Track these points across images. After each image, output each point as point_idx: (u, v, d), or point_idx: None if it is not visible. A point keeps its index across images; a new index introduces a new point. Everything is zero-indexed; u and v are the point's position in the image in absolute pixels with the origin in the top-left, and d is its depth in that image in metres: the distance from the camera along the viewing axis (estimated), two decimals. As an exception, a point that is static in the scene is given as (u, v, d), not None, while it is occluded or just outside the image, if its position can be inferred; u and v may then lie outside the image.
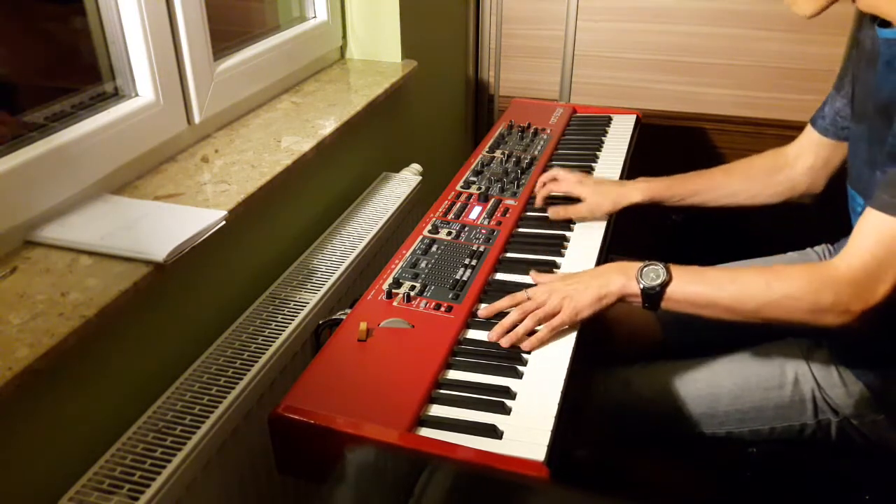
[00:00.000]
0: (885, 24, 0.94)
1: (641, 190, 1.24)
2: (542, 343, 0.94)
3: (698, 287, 0.94)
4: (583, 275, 1.01)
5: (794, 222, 1.27)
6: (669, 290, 0.94)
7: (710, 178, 1.27)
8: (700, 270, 0.96)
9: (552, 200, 1.28)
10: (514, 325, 0.95)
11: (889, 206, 0.84)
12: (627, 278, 0.96)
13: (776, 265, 0.97)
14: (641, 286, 0.95)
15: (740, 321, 0.93)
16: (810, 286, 0.87)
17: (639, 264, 0.96)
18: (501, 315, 0.98)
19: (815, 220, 1.28)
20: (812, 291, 0.87)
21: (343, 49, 1.68)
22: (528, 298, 0.98)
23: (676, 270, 0.94)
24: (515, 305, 0.98)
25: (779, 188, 1.24)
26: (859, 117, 1.03)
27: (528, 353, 0.93)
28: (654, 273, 0.95)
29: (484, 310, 1.00)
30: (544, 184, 1.29)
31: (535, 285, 1.03)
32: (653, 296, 0.94)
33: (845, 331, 0.88)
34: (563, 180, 1.27)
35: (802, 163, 1.21)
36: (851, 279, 0.85)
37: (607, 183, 1.28)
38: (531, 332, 0.95)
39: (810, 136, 1.21)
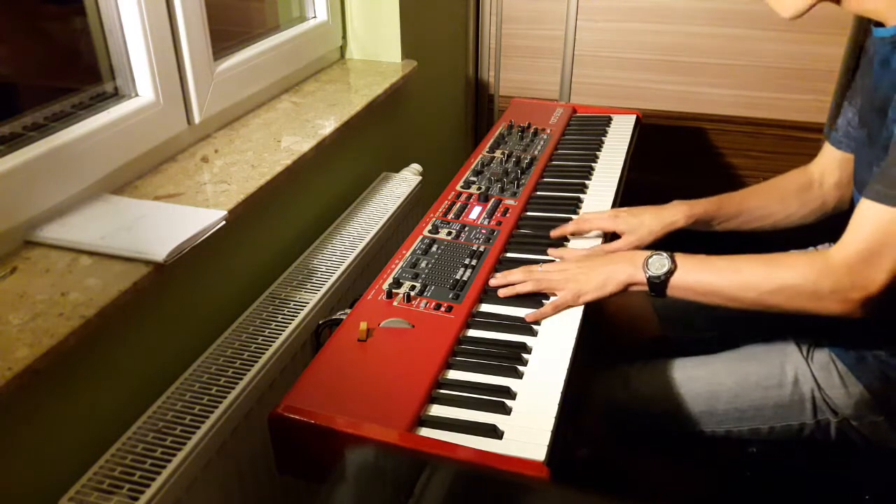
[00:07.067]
0: (880, 24, 0.95)
1: (684, 213, 1.17)
2: (543, 316, 0.98)
3: (702, 276, 0.97)
4: (595, 260, 1.05)
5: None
6: (674, 279, 0.97)
7: (745, 200, 1.22)
8: (704, 259, 0.99)
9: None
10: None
11: (883, 196, 0.86)
12: (635, 267, 1.00)
13: (778, 254, 0.98)
14: (647, 275, 0.98)
15: (743, 308, 0.96)
16: (809, 274, 0.90)
17: (647, 253, 1.00)
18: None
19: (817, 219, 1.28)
20: (811, 279, 0.90)
21: (343, 49, 1.68)
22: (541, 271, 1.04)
23: (681, 260, 0.98)
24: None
25: (812, 206, 1.21)
26: (862, 122, 1.04)
27: (533, 325, 0.97)
28: (659, 262, 0.98)
29: (495, 278, 1.05)
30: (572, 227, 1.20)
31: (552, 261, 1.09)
32: (658, 284, 0.98)
33: (849, 320, 0.89)
34: (595, 219, 1.19)
35: (829, 179, 1.19)
36: (848, 265, 0.88)
37: (643, 212, 1.19)
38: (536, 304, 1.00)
39: (828, 152, 1.19)
